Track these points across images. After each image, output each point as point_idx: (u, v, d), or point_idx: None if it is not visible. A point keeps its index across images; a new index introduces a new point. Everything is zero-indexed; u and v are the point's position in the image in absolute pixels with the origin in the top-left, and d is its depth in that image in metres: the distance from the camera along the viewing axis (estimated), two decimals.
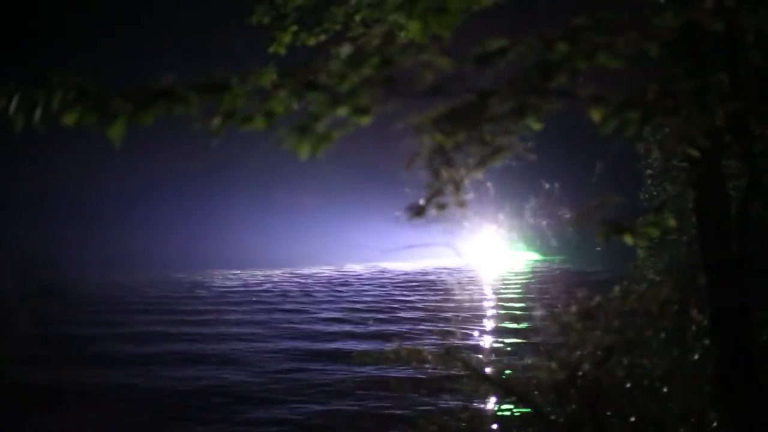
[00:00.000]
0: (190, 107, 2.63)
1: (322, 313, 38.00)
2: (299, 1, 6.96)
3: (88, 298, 46.04)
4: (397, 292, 51.36)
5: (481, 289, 47.48)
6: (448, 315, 33.85)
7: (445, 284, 55.04)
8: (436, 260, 78.95)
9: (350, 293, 52.10)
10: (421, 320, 33.09)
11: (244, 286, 62.03)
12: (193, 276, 73.88)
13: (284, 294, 51.94)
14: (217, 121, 2.66)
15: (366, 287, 57.59)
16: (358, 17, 6.75)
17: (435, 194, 2.94)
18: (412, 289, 53.93)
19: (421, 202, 2.97)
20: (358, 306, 41.13)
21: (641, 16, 2.91)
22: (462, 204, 2.96)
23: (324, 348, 26.01)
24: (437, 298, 45.24)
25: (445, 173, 2.91)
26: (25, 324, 28.44)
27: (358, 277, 70.58)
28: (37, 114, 2.74)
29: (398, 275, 70.17)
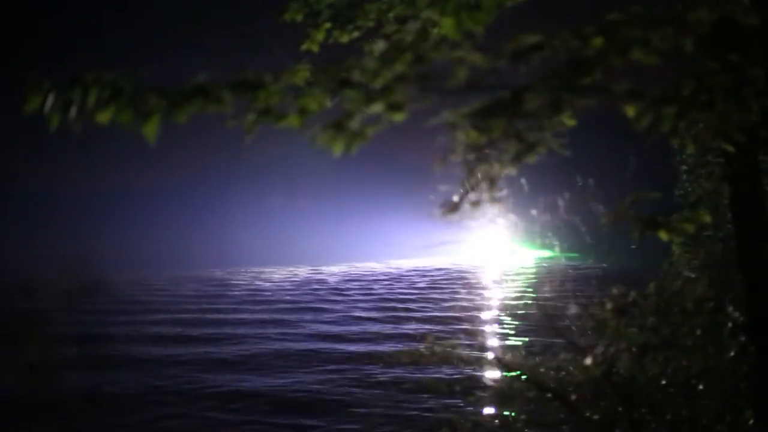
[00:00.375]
0: (224, 105, 2.64)
1: (353, 311, 37.97)
2: None
3: (120, 297, 46.26)
4: (428, 290, 51.25)
5: (512, 287, 47.28)
6: (480, 314, 33.78)
7: (475, 282, 54.84)
8: (459, 258, 78.32)
9: (382, 291, 52.05)
10: (453, 319, 33.00)
11: (274, 284, 62.14)
12: (225, 275, 74.01)
13: (314, 293, 51.93)
14: (251, 118, 2.67)
15: (395, 285, 57.48)
16: (391, 14, 6.74)
17: (469, 191, 2.94)
18: (442, 286, 53.76)
19: (455, 198, 2.96)
20: (389, 305, 41.06)
21: (675, 11, 2.89)
22: (496, 200, 2.95)
23: (357, 350, 25.98)
24: (468, 296, 45.13)
25: (479, 170, 2.91)
26: (62, 324, 28.59)
27: (387, 274, 70.36)
28: (72, 112, 2.74)
29: (428, 272, 69.90)
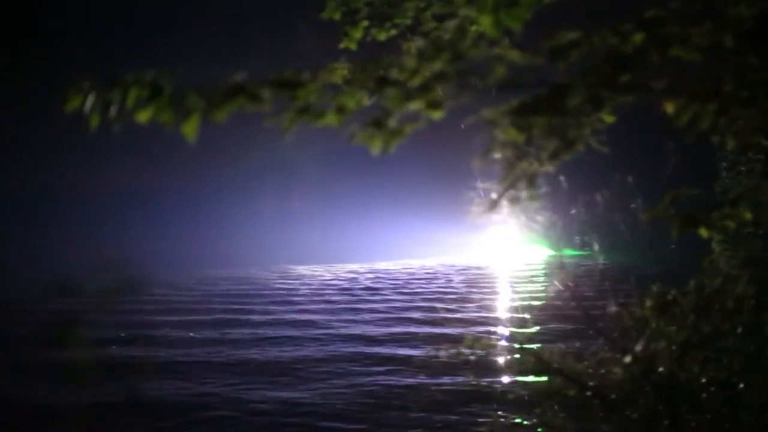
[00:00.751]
0: (264, 104, 2.65)
1: (391, 312, 37.87)
2: None
3: (155, 296, 46.39)
4: (462, 288, 50.98)
5: (548, 286, 46.83)
6: (515, 314, 33.64)
7: (508, 281, 54.53)
8: (487, 256, 77.40)
9: (417, 289, 51.86)
10: (491, 320, 32.91)
11: (307, 283, 62.09)
12: (256, 273, 73.89)
13: (347, 292, 51.75)
14: (289, 117, 2.68)
15: (429, 283, 57.21)
16: (429, 12, 6.74)
17: (508, 188, 2.94)
18: (475, 285, 53.46)
19: (494, 196, 2.96)
20: (426, 304, 40.84)
21: (714, 7, 2.87)
22: (535, 198, 2.94)
23: (396, 353, 25.85)
24: (503, 295, 44.98)
25: (518, 167, 2.90)
26: (103, 325, 28.73)
27: (417, 272, 69.91)
28: (113, 112, 2.77)
29: (458, 270, 69.41)
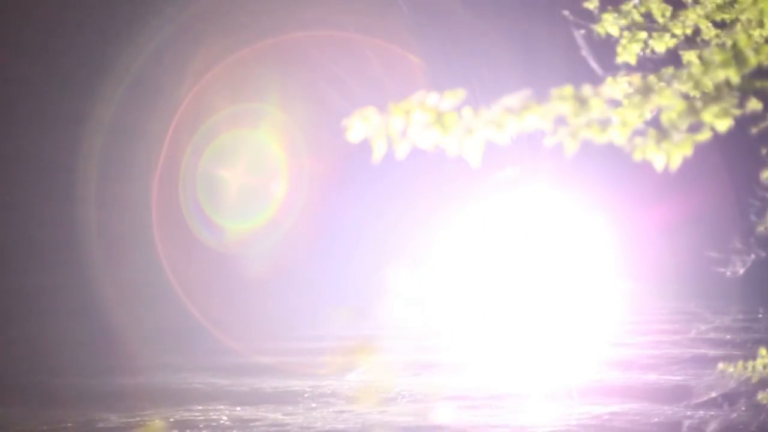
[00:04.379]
0: (546, 121, 2.63)
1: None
2: (647, 7, 6.82)
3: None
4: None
5: None
6: None
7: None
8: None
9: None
10: None
11: None
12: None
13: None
14: (573, 132, 2.65)
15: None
16: (709, 19, 6.52)
17: None
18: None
19: None
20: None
21: None
22: None
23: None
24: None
25: None
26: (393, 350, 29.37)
27: None
28: (396, 140, 2.77)
29: None
